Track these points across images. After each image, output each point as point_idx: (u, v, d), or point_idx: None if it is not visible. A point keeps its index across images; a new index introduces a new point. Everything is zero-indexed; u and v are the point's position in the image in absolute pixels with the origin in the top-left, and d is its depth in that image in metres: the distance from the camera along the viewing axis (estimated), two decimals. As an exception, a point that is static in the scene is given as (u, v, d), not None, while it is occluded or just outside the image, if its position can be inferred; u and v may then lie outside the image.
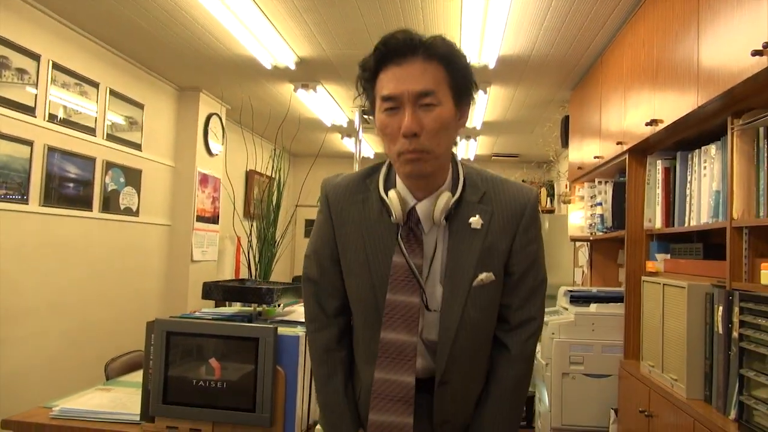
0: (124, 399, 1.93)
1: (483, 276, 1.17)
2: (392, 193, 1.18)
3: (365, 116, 5.22)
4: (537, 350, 3.38)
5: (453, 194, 1.18)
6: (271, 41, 3.48)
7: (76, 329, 3.53)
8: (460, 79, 1.13)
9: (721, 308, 1.85)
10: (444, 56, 1.10)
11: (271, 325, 1.70)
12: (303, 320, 1.90)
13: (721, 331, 1.84)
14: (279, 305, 2.13)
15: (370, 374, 1.22)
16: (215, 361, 1.67)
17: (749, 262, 1.83)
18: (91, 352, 3.54)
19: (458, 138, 6.03)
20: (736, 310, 1.75)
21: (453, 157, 1.24)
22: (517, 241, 1.20)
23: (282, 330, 1.71)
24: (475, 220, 1.17)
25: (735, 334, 1.74)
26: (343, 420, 1.28)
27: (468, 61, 1.15)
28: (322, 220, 1.29)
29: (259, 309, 2.02)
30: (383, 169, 1.25)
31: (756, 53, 1.56)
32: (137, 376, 2.02)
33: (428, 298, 1.18)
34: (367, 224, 1.21)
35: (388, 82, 1.11)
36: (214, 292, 1.85)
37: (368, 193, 1.23)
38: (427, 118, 1.09)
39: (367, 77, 1.16)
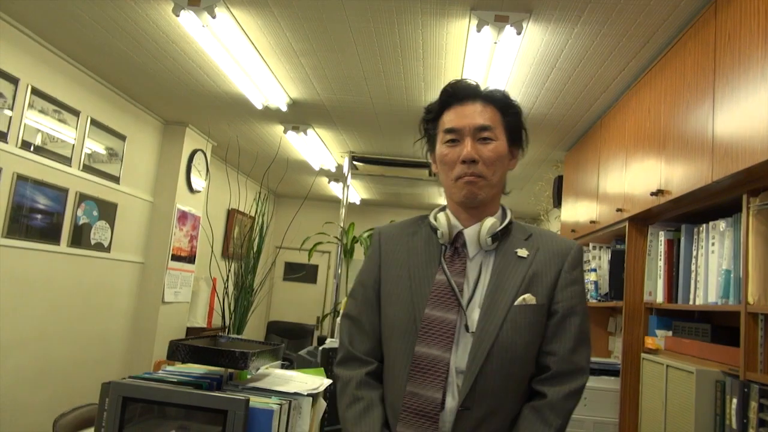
0: (69, 469, 1.71)
1: (525, 296, 1.17)
2: (441, 215, 1.26)
3: (355, 162, 5.11)
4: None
5: (500, 224, 1.24)
6: (264, 82, 3.37)
7: (30, 368, 3.26)
8: (513, 123, 1.26)
9: (735, 400, 1.70)
10: (500, 101, 1.25)
11: (242, 397, 1.51)
12: (277, 389, 1.73)
13: (735, 426, 1.69)
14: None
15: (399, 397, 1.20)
16: (175, 436, 1.47)
17: (764, 352, 1.70)
18: (44, 395, 3.27)
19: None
20: (754, 405, 1.60)
21: (501, 205, 1.31)
22: (562, 278, 1.21)
23: (254, 401, 1.52)
24: (522, 251, 1.22)
25: (752, 433, 1.59)
26: None
27: (520, 110, 1.28)
28: (370, 255, 1.35)
29: (230, 371, 1.83)
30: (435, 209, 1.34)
31: (783, 132, 1.47)
32: (87, 439, 1.80)
33: (468, 320, 1.17)
34: (414, 250, 1.28)
35: (452, 118, 1.24)
36: (181, 353, 1.65)
37: (419, 228, 1.32)
38: (485, 150, 1.21)
39: (431, 117, 1.29)
